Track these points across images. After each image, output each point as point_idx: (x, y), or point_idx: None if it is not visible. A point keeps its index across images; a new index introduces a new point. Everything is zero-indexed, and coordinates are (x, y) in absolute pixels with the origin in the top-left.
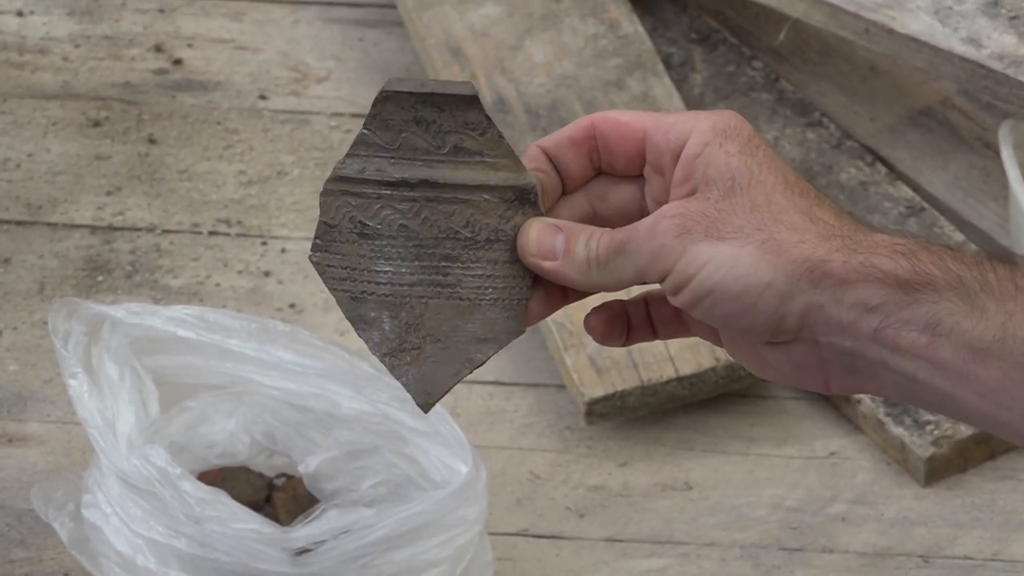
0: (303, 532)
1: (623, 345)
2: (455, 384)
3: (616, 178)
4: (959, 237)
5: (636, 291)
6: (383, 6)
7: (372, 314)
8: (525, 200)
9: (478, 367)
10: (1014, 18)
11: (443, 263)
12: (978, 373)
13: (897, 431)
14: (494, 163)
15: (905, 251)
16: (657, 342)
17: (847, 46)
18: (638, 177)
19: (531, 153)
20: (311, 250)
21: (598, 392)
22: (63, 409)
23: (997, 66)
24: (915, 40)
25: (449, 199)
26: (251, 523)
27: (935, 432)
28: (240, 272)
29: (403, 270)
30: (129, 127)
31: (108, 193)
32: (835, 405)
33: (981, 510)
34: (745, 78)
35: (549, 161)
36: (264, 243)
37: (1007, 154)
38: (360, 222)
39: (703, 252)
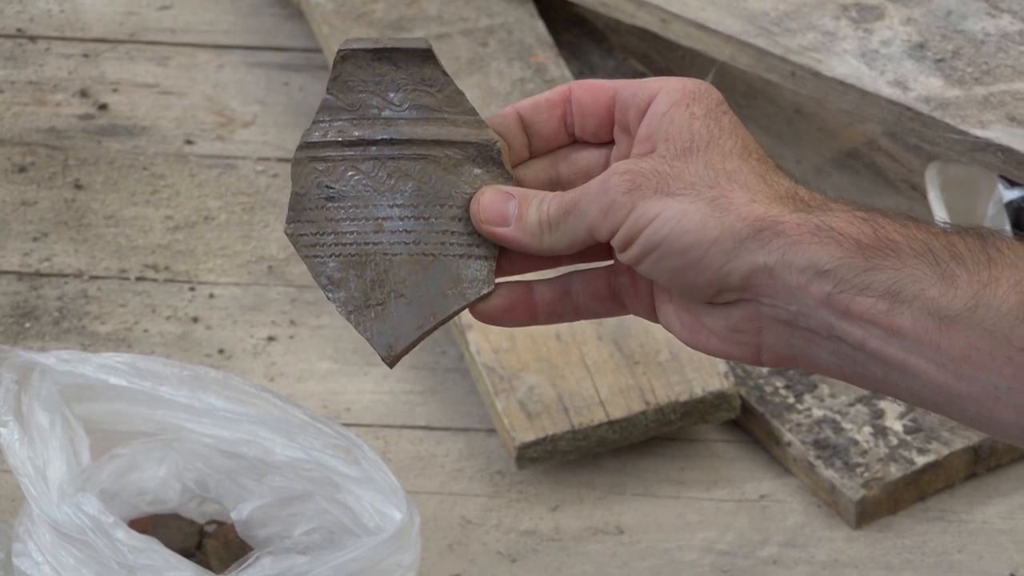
0: None
1: (535, 324)
2: (419, 337)
3: (584, 144)
4: None
5: (548, 274)
6: (308, 50)
7: (339, 274)
8: (488, 157)
9: (443, 322)
10: (940, 61)
11: (407, 220)
12: (939, 342)
13: (827, 473)
14: (454, 119)
15: (866, 216)
16: (588, 386)
17: (772, 89)
18: (607, 144)
19: (504, 111)
20: (285, 222)
21: (529, 436)
22: None
23: (924, 108)
24: (842, 83)
25: (410, 155)
26: (184, 571)
27: (865, 474)
28: (168, 318)
29: (368, 228)
30: (55, 172)
31: (35, 239)
32: (765, 448)
33: (912, 552)
34: None
35: (520, 123)
36: (192, 288)
37: (934, 196)
38: (327, 186)
39: (652, 207)
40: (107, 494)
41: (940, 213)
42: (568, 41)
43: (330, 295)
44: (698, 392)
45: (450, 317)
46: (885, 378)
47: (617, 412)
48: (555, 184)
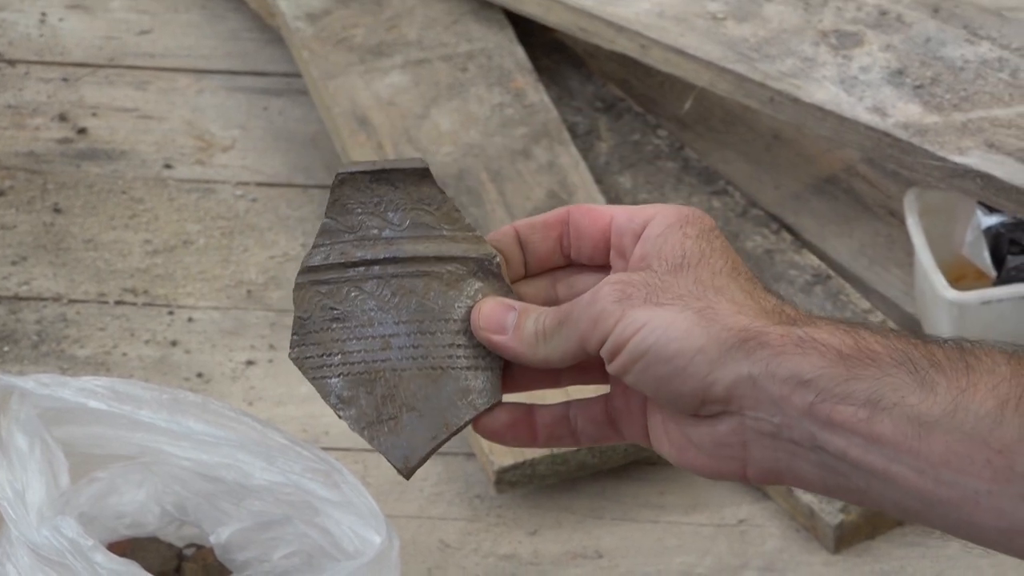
0: None
1: (535, 446)
2: (434, 448)
3: (582, 268)
4: (865, 304)
5: (549, 396)
6: (288, 75)
7: (348, 392)
8: (488, 271)
9: (456, 432)
10: (919, 87)
11: (413, 335)
12: (919, 448)
13: (806, 498)
14: (453, 235)
15: (848, 329)
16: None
17: (751, 115)
18: (604, 268)
19: (503, 229)
20: (290, 347)
21: (508, 461)
22: None
23: (902, 135)
24: (821, 109)
25: (413, 272)
26: None
27: None
28: (147, 342)
29: (375, 346)
30: (34, 196)
31: (13, 263)
32: None
33: None
34: (650, 146)
35: (518, 240)
36: (171, 312)
37: (912, 222)
38: (331, 307)
39: (640, 316)
40: (86, 517)
41: (918, 239)
42: (547, 67)
43: (341, 413)
44: None
45: (462, 427)
46: (868, 488)
47: None
48: (553, 304)
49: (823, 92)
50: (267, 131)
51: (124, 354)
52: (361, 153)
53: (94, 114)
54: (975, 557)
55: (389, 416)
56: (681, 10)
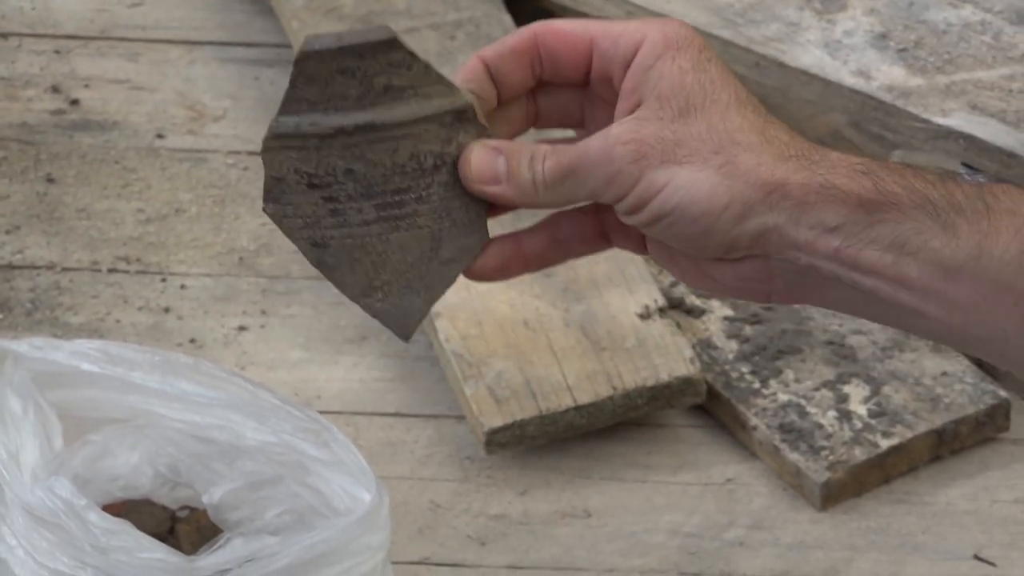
0: (209, 560)
1: (526, 273)
2: (429, 310)
3: (556, 87)
4: None
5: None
6: (278, 45)
7: (332, 260)
8: (464, 119)
9: (449, 287)
10: (902, 50)
11: (396, 197)
12: (946, 290)
13: (792, 457)
14: (427, 93)
15: (865, 170)
16: (555, 372)
17: (737, 80)
18: (580, 86)
19: (469, 64)
20: (263, 202)
21: (497, 422)
22: None
23: (887, 97)
24: (805, 73)
25: (390, 137)
26: (157, 552)
27: (830, 457)
28: (140, 309)
29: (357, 216)
30: (27, 167)
31: (7, 232)
32: (731, 432)
33: (876, 533)
34: None
35: (488, 73)
36: (163, 280)
37: None
38: (306, 173)
39: (660, 176)
40: (80, 480)
41: None
42: None
43: (330, 278)
44: (664, 377)
45: (453, 281)
46: (898, 320)
47: (584, 397)
48: (531, 118)
49: (808, 56)
50: (258, 101)
51: (117, 321)
52: None
53: (86, 85)
54: (959, 514)
55: (382, 283)
56: None
